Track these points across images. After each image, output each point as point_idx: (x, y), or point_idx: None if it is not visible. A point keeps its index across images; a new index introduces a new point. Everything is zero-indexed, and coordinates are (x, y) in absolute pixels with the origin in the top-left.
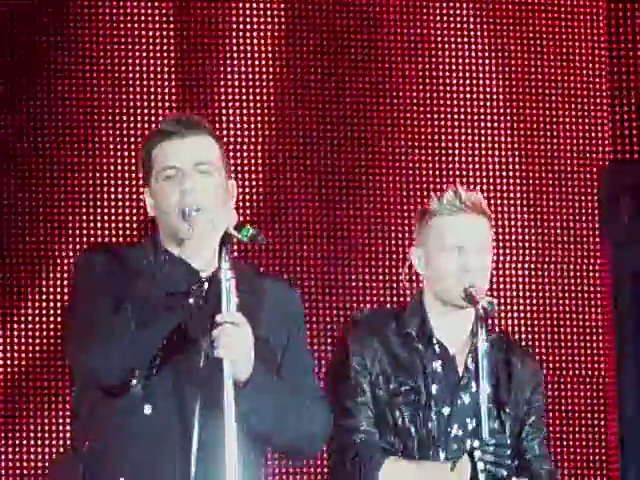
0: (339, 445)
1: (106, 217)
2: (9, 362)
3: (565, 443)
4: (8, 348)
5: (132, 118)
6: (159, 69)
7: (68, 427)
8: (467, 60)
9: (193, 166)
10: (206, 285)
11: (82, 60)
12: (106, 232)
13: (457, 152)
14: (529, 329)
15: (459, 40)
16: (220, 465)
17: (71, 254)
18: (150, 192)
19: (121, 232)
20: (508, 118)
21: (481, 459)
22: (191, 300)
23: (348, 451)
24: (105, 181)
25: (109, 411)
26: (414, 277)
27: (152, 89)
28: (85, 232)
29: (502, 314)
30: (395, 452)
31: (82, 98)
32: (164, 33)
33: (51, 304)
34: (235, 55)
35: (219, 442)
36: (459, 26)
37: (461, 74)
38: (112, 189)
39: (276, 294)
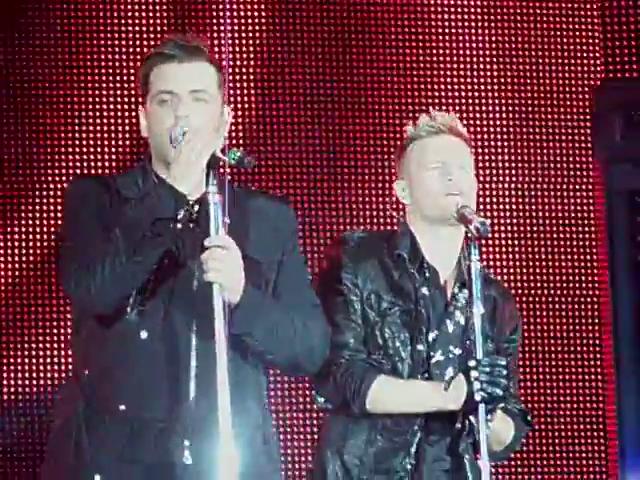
0: (327, 360)
1: (99, 143)
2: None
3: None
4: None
5: (125, 49)
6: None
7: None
8: None
9: (189, 92)
10: (196, 208)
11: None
12: (99, 157)
13: (450, 72)
14: (521, 252)
15: None
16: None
17: (63, 179)
18: (145, 114)
19: (114, 157)
20: (500, 38)
21: (477, 379)
22: (179, 225)
23: (337, 366)
24: (97, 106)
25: (105, 339)
26: (402, 211)
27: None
28: (78, 157)
29: (493, 238)
30: (385, 372)
31: (74, 24)
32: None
33: (40, 229)
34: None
35: (215, 364)
36: None
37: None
38: (104, 115)
39: (268, 212)
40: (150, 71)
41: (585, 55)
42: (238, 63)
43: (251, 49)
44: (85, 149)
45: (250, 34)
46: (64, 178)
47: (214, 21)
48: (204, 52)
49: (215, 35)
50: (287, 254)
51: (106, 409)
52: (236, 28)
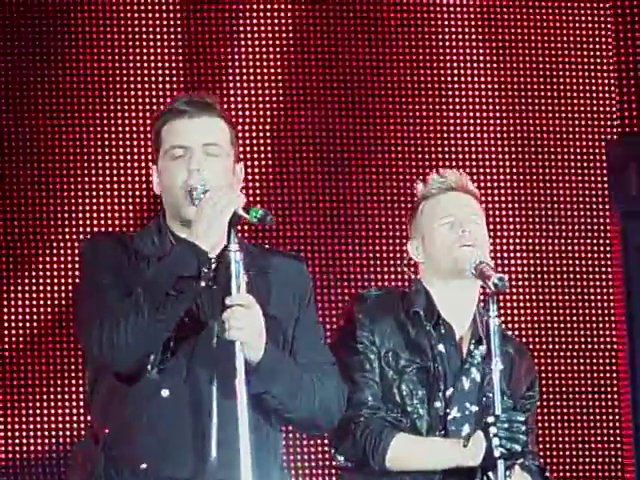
0: (346, 416)
1: (112, 201)
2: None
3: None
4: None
5: (139, 106)
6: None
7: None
8: (467, 37)
9: (201, 146)
10: (213, 266)
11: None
12: (110, 215)
13: (464, 128)
14: (539, 307)
15: (459, 18)
16: (236, 447)
17: (74, 237)
18: (157, 170)
19: (124, 215)
20: (515, 93)
21: (496, 435)
22: (202, 283)
23: (356, 424)
24: (108, 164)
25: (126, 397)
26: (414, 269)
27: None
28: (88, 215)
29: (510, 294)
30: (403, 429)
31: (84, 82)
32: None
33: (50, 281)
34: (243, 42)
35: (235, 422)
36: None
37: (461, 51)
38: (114, 173)
39: (284, 269)
40: (162, 127)
41: (601, 109)
42: (247, 116)
43: (261, 99)
44: (96, 206)
45: (260, 85)
46: (75, 236)
47: (224, 77)
48: (215, 107)
49: (225, 88)
50: (303, 312)
51: (127, 468)
52: (247, 85)
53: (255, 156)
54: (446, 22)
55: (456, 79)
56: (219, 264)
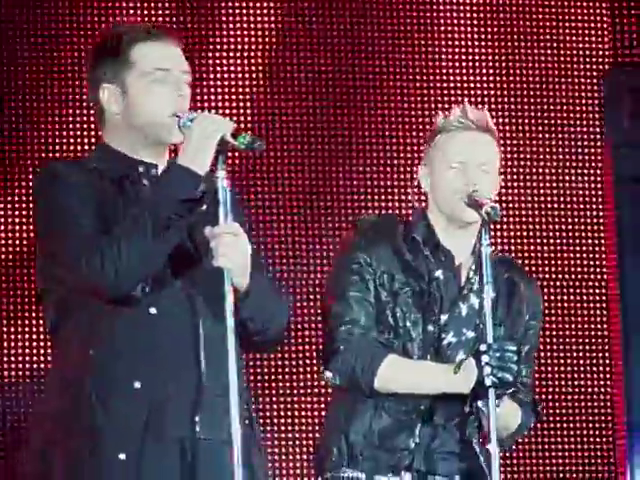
0: (338, 334)
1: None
2: None
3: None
4: None
5: None
6: None
7: None
8: None
9: (182, 73)
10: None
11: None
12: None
13: (455, 61)
14: (529, 236)
15: None
16: (223, 364)
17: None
18: (122, 90)
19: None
20: (508, 23)
21: (488, 363)
22: (204, 206)
23: (348, 342)
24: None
25: (113, 317)
26: (423, 197)
27: None
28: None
29: (501, 222)
30: (395, 351)
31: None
32: None
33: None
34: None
35: (220, 343)
36: None
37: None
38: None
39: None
40: (134, 45)
41: (594, 39)
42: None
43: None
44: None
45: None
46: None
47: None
48: (179, 40)
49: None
50: (250, 239)
51: (122, 388)
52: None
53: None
54: None
55: (444, 22)
56: (206, 190)
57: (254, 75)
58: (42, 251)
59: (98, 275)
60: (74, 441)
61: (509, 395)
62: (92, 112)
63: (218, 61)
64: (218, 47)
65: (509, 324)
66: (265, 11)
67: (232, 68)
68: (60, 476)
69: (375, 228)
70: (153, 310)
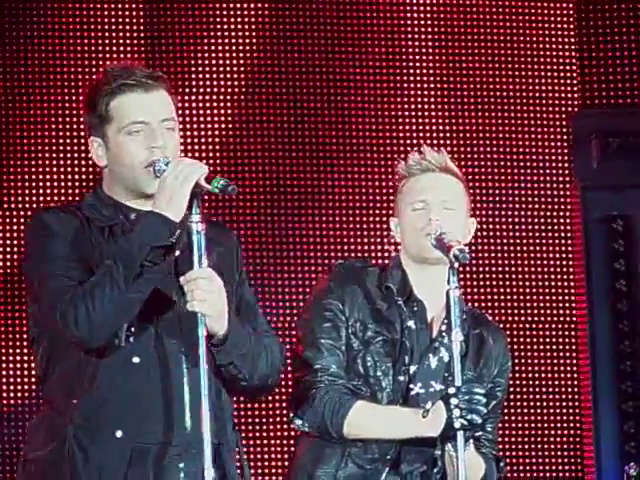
0: (307, 381)
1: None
2: None
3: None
4: None
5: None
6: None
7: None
8: (428, 16)
9: (160, 122)
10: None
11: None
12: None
13: (429, 99)
14: (499, 279)
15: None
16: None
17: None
18: (105, 143)
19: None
20: (477, 66)
21: (457, 406)
22: (177, 252)
23: (317, 390)
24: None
25: (96, 368)
26: (395, 246)
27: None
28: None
29: (471, 265)
30: (363, 398)
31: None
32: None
33: None
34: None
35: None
36: None
37: (422, 30)
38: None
39: (219, 239)
40: (111, 100)
41: (562, 82)
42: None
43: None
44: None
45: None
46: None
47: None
48: (165, 80)
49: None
50: (241, 278)
51: (102, 436)
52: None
53: (217, 133)
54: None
55: (417, 58)
56: (179, 235)
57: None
58: (30, 298)
59: (72, 327)
60: None
61: (476, 449)
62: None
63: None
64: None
65: (477, 379)
66: (245, 14)
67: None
68: None
69: (347, 274)
70: (136, 359)
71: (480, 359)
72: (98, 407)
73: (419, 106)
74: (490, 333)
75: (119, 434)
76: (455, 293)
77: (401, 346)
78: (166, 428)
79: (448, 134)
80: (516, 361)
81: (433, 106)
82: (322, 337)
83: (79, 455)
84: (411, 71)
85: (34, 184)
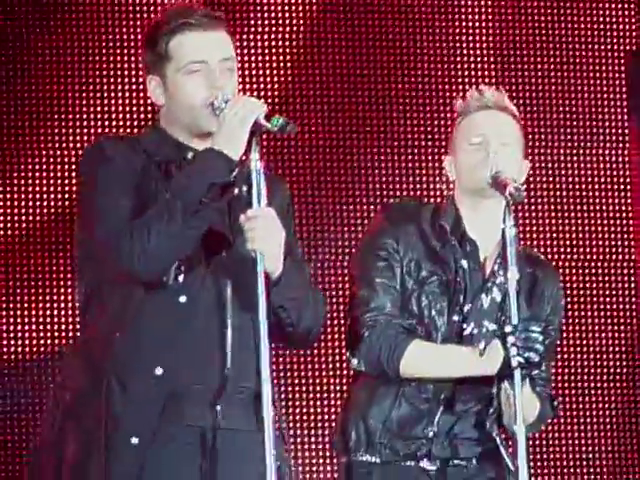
0: (363, 321)
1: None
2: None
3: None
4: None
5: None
6: None
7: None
8: None
9: (219, 62)
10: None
11: None
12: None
13: (481, 43)
14: (551, 221)
15: None
16: (250, 354)
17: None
18: (163, 82)
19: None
20: (535, 4)
21: (514, 344)
22: (236, 190)
23: (373, 329)
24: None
25: (142, 303)
26: (451, 185)
27: None
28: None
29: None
30: (419, 336)
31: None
32: None
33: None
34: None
35: (249, 332)
36: None
37: None
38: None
39: (273, 186)
40: (171, 39)
41: (620, 21)
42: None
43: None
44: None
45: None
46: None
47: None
48: (225, 21)
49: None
50: (291, 228)
51: (142, 372)
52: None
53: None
54: None
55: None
56: (238, 173)
57: (287, 56)
58: (80, 227)
59: (127, 258)
60: (90, 420)
61: (531, 387)
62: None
63: (252, 43)
64: (253, 29)
65: (530, 317)
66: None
67: (266, 51)
68: (72, 451)
69: (403, 212)
70: (183, 299)
71: (533, 298)
72: (140, 343)
73: (471, 58)
74: (543, 272)
75: (159, 371)
76: (511, 231)
77: (455, 286)
78: (208, 369)
79: (496, 78)
80: (570, 299)
81: (486, 45)
82: (377, 276)
83: (117, 389)
84: (464, 38)
85: (90, 121)
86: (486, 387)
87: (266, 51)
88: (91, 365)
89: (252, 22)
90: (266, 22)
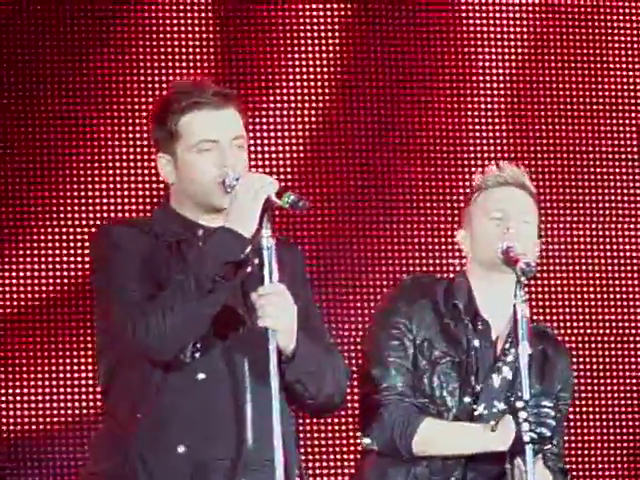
0: (375, 400)
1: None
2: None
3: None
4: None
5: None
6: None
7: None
8: None
9: (230, 140)
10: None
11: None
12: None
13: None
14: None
15: None
16: (269, 430)
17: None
18: (174, 160)
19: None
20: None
21: (526, 419)
22: (249, 269)
23: (385, 407)
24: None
25: (161, 383)
26: (460, 260)
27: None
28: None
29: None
30: (431, 415)
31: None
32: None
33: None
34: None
35: (267, 407)
36: None
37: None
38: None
39: (286, 256)
40: (181, 117)
41: None
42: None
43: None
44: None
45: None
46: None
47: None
48: (234, 98)
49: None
50: (307, 295)
51: (165, 451)
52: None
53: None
54: None
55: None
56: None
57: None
58: (98, 313)
59: (143, 341)
60: None
61: (544, 463)
62: None
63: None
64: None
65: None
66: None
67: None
68: None
69: (418, 289)
70: (201, 376)
71: (544, 375)
72: (161, 422)
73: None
74: (554, 349)
75: (181, 449)
76: (522, 307)
77: (467, 367)
78: (228, 444)
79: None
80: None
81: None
82: (389, 355)
83: (141, 469)
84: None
85: (97, 199)
86: (497, 464)
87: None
88: (116, 448)
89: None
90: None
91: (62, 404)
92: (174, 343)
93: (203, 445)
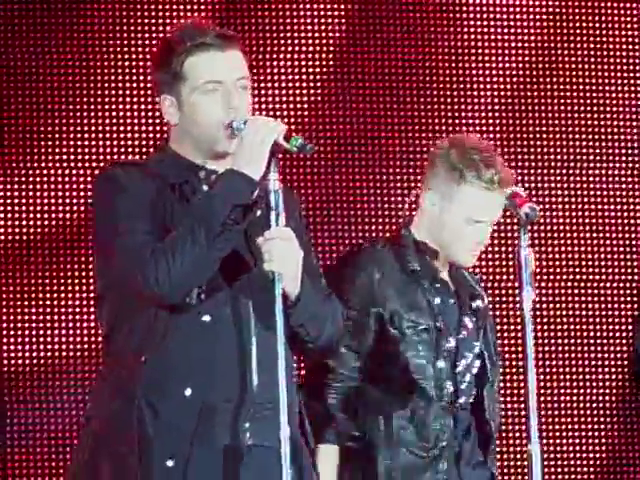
0: (315, 380)
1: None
2: None
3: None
4: None
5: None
6: None
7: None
8: None
9: (235, 81)
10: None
11: None
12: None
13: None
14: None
15: None
16: (274, 371)
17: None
18: (178, 102)
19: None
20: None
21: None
22: (258, 212)
23: (321, 391)
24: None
25: (167, 325)
26: (413, 212)
27: None
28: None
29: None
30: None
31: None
32: None
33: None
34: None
35: (272, 351)
36: None
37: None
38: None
39: (289, 202)
40: (186, 58)
41: None
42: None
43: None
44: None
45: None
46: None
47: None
48: (239, 39)
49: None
50: (306, 241)
51: (171, 394)
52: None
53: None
54: None
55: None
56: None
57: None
58: (99, 255)
59: (152, 283)
60: (123, 445)
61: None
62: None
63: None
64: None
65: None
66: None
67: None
68: (106, 477)
69: (380, 259)
70: (206, 318)
71: (485, 332)
72: (167, 364)
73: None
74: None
75: (188, 392)
76: (526, 252)
77: (435, 329)
78: (234, 387)
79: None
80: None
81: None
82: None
83: (148, 412)
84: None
85: (95, 140)
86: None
87: (289, 70)
88: (120, 391)
89: (275, 41)
90: (289, 42)
91: (63, 338)
92: (183, 286)
93: (209, 388)
